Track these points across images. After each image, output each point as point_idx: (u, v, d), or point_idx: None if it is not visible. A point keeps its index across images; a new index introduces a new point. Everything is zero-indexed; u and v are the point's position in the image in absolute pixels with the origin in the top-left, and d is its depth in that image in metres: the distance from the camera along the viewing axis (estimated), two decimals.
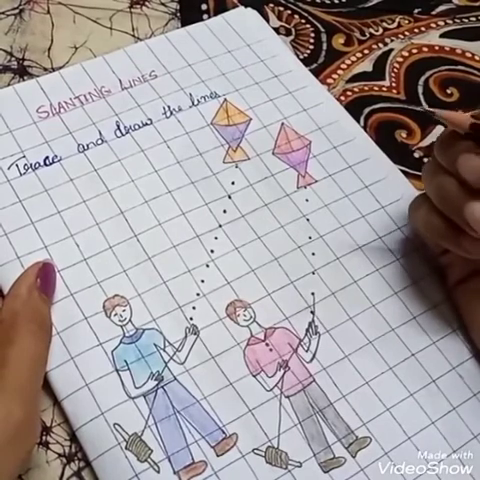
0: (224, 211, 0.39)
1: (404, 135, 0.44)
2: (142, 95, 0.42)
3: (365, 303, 0.37)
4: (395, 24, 0.49)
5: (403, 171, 0.42)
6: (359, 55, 0.47)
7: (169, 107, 0.42)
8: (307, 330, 0.35)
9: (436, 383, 0.35)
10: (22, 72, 0.43)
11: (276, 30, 0.47)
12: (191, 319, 0.35)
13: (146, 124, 0.41)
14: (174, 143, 0.40)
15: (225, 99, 0.42)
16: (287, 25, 0.48)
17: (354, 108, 0.44)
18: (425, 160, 0.42)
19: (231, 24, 0.46)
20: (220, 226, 0.38)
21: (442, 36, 0.49)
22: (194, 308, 0.36)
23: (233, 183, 0.39)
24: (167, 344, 0.34)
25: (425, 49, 0.48)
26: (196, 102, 0.42)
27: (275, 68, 0.44)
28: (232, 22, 0.46)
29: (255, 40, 0.45)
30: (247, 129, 0.41)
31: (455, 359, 0.36)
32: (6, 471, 0.28)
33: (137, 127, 0.41)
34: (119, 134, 0.40)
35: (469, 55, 0.48)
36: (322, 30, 0.48)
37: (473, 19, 0.50)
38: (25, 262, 0.35)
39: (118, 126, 0.40)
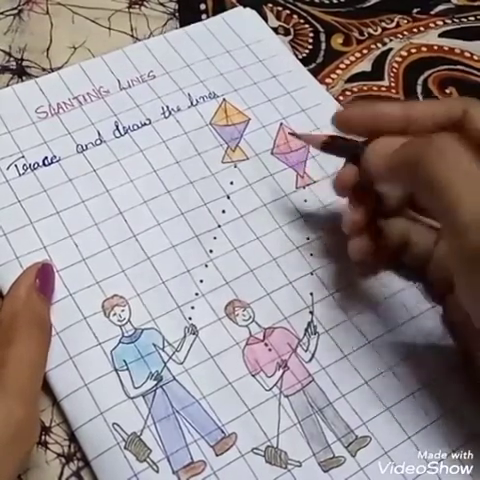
0: (223, 211, 0.39)
1: None
2: (141, 95, 0.42)
3: (364, 303, 0.37)
4: (394, 24, 0.49)
5: None
6: (358, 55, 0.47)
7: (168, 107, 0.42)
8: (306, 330, 0.35)
9: (436, 382, 0.35)
10: (21, 72, 0.43)
11: (275, 30, 0.47)
12: (190, 319, 0.35)
13: (145, 124, 0.41)
14: (173, 143, 0.40)
15: (224, 99, 0.42)
16: (286, 25, 0.48)
17: None
18: None
19: (230, 24, 0.46)
20: (219, 226, 0.38)
21: (441, 36, 0.49)
22: (193, 308, 0.36)
23: (232, 183, 0.40)
24: (166, 344, 0.34)
25: (424, 49, 0.48)
26: (195, 102, 0.42)
27: (274, 68, 0.44)
28: (231, 22, 0.46)
29: (254, 40, 0.45)
30: (246, 129, 0.41)
31: (455, 358, 0.36)
32: (6, 471, 0.28)
33: (136, 127, 0.41)
34: (118, 134, 0.40)
35: (468, 55, 0.48)
36: (321, 30, 0.48)
37: (472, 19, 0.50)
38: (24, 262, 0.35)
39: (117, 126, 0.41)
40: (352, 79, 0.46)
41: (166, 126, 0.41)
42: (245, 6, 0.47)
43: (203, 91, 0.42)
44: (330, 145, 0.35)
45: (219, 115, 0.42)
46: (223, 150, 0.41)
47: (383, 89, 0.46)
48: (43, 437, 0.32)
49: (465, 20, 0.50)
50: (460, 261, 0.29)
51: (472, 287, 0.29)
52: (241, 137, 0.41)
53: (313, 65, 0.46)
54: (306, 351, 0.35)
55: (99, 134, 0.40)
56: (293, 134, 0.39)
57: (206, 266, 0.37)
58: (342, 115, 0.35)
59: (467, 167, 0.29)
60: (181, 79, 0.43)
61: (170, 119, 0.41)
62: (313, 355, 0.35)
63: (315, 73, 0.45)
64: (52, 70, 0.43)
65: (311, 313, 0.36)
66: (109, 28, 0.46)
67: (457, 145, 0.29)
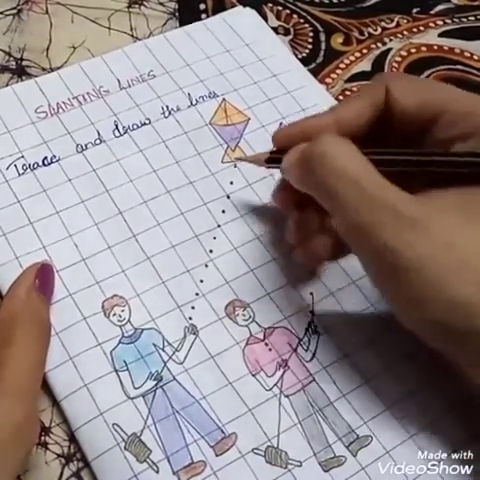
0: (223, 211, 0.39)
1: None
2: (140, 95, 0.42)
3: (364, 303, 0.36)
4: (394, 23, 0.49)
5: None
6: (358, 55, 0.47)
7: (167, 107, 0.42)
8: (306, 330, 0.35)
9: (437, 382, 0.34)
10: (20, 72, 0.43)
11: (275, 30, 0.47)
12: (190, 319, 0.35)
13: (144, 124, 0.41)
14: (172, 143, 0.40)
15: (224, 99, 0.42)
16: (286, 25, 0.48)
17: None
18: None
19: (229, 23, 0.46)
20: (219, 226, 0.38)
21: (441, 35, 0.49)
22: (193, 308, 0.35)
23: (231, 183, 0.39)
24: (166, 344, 0.34)
25: (424, 48, 0.48)
26: (194, 102, 0.42)
27: (274, 67, 0.44)
28: (230, 21, 0.46)
29: (253, 39, 0.45)
30: (246, 129, 0.41)
31: None
32: (6, 472, 0.28)
33: (135, 127, 0.41)
34: (117, 134, 0.40)
35: (468, 54, 0.48)
36: (321, 30, 0.48)
37: (472, 18, 0.50)
38: (24, 262, 0.35)
39: (116, 126, 0.40)
40: (352, 79, 0.46)
41: (166, 126, 0.41)
42: (245, 6, 0.47)
43: (203, 91, 0.42)
44: (272, 161, 0.36)
45: (219, 115, 0.42)
46: (223, 150, 0.41)
47: None
48: (43, 438, 0.32)
49: (465, 20, 0.50)
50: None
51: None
52: (241, 137, 0.41)
53: (313, 65, 0.46)
54: (306, 351, 0.35)
55: (99, 134, 0.40)
56: (239, 159, 0.39)
57: (206, 266, 0.37)
58: (277, 134, 0.36)
59: (345, 169, 0.30)
60: (181, 79, 0.43)
61: (170, 119, 0.41)
62: (314, 355, 0.35)
63: (315, 73, 0.45)
64: (52, 70, 0.43)
65: (311, 313, 0.36)
66: (109, 28, 0.46)
67: (336, 147, 0.30)
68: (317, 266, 0.37)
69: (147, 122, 0.41)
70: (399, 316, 0.30)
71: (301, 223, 0.35)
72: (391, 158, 0.31)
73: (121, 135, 0.40)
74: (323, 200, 0.31)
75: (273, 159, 0.36)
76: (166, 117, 0.41)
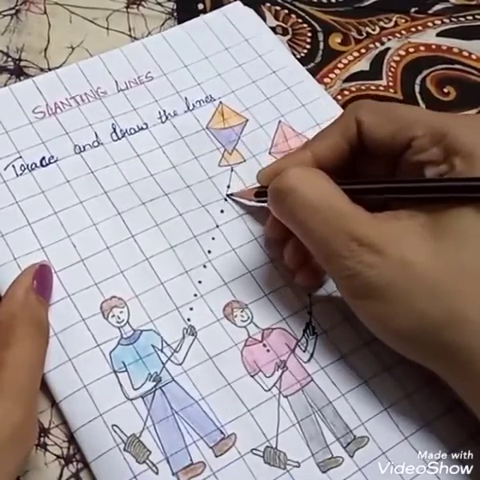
0: (221, 211, 0.39)
1: None
2: (138, 98, 0.42)
3: None
4: (392, 23, 0.49)
5: None
6: (356, 54, 0.47)
7: (165, 111, 0.41)
8: (304, 331, 0.35)
9: (434, 382, 0.34)
10: (19, 72, 0.43)
11: (273, 29, 0.47)
12: (189, 320, 0.35)
13: (142, 128, 0.41)
14: (169, 148, 0.40)
15: (220, 102, 0.42)
16: (284, 25, 0.48)
17: None
18: None
19: (229, 18, 0.45)
20: (217, 226, 0.38)
21: (439, 35, 0.49)
22: (192, 309, 0.36)
23: (229, 186, 0.39)
24: (165, 345, 0.34)
25: (422, 48, 0.48)
26: (191, 107, 0.42)
27: (272, 63, 0.44)
28: (230, 16, 0.46)
29: (253, 34, 0.45)
30: (243, 131, 0.41)
31: None
32: (5, 473, 0.28)
33: (133, 131, 0.40)
34: (115, 137, 0.40)
35: (466, 54, 0.48)
36: (319, 29, 0.48)
37: (470, 18, 0.50)
38: (22, 263, 0.35)
39: (114, 129, 0.40)
40: (350, 79, 0.46)
41: (163, 131, 0.41)
42: (244, 5, 0.47)
43: (200, 95, 0.42)
44: (262, 194, 0.36)
45: (216, 119, 0.42)
46: (220, 154, 0.40)
47: (381, 88, 0.46)
48: (42, 439, 0.32)
49: (463, 19, 0.50)
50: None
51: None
52: (238, 139, 0.41)
53: (311, 65, 0.46)
54: (305, 351, 0.35)
55: (96, 136, 0.40)
56: (230, 195, 0.39)
57: (205, 267, 0.37)
58: (260, 174, 0.37)
59: (313, 206, 0.31)
60: (178, 82, 0.43)
61: (167, 124, 0.41)
62: (312, 355, 0.35)
63: (313, 73, 0.45)
64: (50, 70, 0.43)
65: (309, 314, 0.36)
66: (107, 28, 0.46)
67: (304, 181, 0.32)
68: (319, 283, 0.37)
69: (144, 127, 0.41)
70: (372, 330, 0.32)
71: (298, 248, 0.35)
72: (361, 187, 0.33)
73: (119, 139, 0.40)
74: (295, 232, 0.33)
75: (261, 193, 0.37)
76: (163, 122, 0.41)
